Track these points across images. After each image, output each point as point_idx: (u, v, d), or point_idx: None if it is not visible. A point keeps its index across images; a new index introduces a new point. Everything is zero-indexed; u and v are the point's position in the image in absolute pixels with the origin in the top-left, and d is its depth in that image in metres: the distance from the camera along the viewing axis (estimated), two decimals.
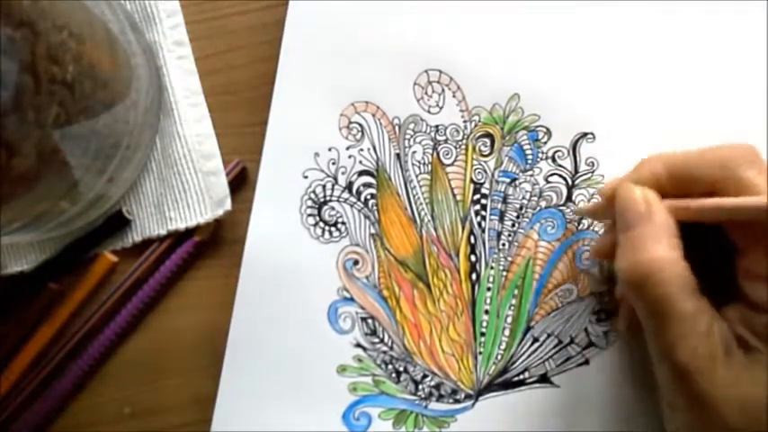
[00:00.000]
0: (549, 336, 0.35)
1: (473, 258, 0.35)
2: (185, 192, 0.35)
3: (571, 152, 0.34)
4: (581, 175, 0.34)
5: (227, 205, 0.35)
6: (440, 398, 0.35)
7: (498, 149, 0.35)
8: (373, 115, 0.35)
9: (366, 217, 0.35)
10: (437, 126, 0.35)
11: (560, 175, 0.35)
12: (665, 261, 0.26)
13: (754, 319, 0.26)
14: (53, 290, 0.36)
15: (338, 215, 0.35)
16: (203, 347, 0.36)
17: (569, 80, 0.34)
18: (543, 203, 0.35)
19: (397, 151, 0.35)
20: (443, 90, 0.35)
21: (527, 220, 0.35)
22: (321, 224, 0.35)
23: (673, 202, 0.27)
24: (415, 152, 0.35)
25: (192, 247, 0.36)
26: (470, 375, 0.35)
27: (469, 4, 0.35)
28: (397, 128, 0.35)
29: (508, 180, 0.35)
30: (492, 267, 0.35)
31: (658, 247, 0.26)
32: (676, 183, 0.28)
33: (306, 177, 0.35)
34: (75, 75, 0.28)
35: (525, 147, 0.35)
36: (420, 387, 0.35)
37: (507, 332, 0.35)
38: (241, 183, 0.36)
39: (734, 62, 0.34)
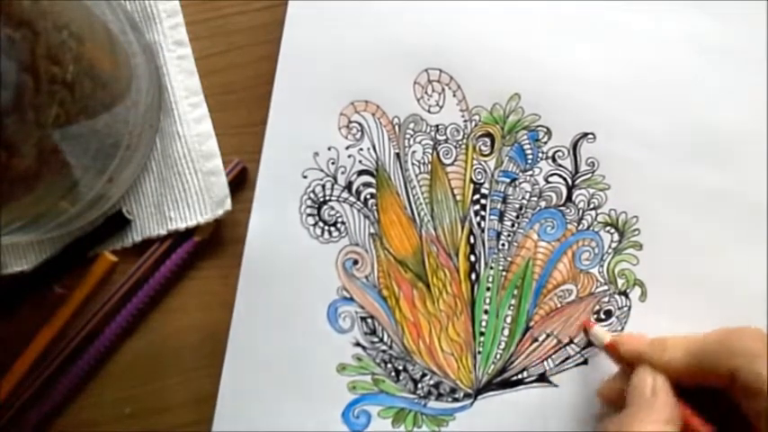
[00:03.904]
0: (548, 336, 0.35)
1: (472, 258, 0.35)
2: (185, 192, 0.35)
3: (571, 152, 0.34)
4: (581, 176, 0.34)
5: (227, 205, 0.35)
6: (439, 397, 0.35)
7: (498, 149, 0.35)
8: (373, 115, 0.35)
9: (366, 217, 0.35)
10: (437, 126, 0.35)
11: (560, 176, 0.35)
12: None
13: None
14: (58, 294, 0.36)
15: (338, 215, 0.35)
16: (203, 347, 0.36)
17: (569, 80, 0.34)
18: (543, 204, 0.35)
19: (397, 151, 0.35)
20: (443, 89, 0.35)
21: (527, 220, 0.35)
22: (321, 224, 0.35)
23: (689, 414, 0.29)
24: (414, 152, 0.35)
25: (192, 247, 0.36)
26: (469, 374, 0.35)
27: (469, 4, 0.35)
28: (396, 127, 0.35)
29: (508, 180, 0.35)
30: (491, 267, 0.35)
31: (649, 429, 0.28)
32: (694, 370, 0.29)
33: (305, 177, 0.35)
34: (75, 75, 0.28)
35: (525, 147, 0.35)
36: (419, 386, 0.35)
37: (506, 332, 0.35)
38: (241, 183, 0.36)
39: (734, 62, 0.34)
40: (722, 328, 0.30)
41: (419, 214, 0.35)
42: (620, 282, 0.34)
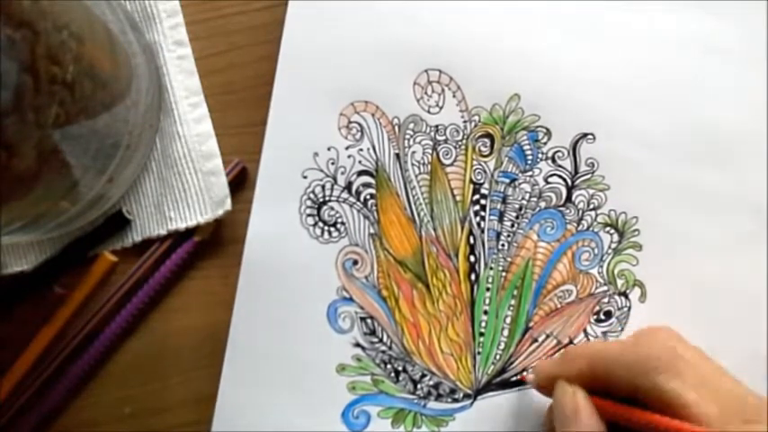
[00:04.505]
0: (547, 336, 0.35)
1: (472, 259, 0.35)
2: (185, 192, 0.35)
3: (571, 153, 0.34)
4: (581, 176, 0.34)
5: (227, 205, 0.35)
6: (438, 397, 0.35)
7: (498, 150, 0.35)
8: (373, 115, 0.35)
9: (365, 217, 0.35)
10: (437, 126, 0.35)
11: (560, 176, 0.35)
12: None
13: None
14: (58, 294, 0.36)
15: (337, 215, 0.35)
16: (203, 347, 0.36)
17: (569, 80, 0.34)
18: (543, 204, 0.35)
19: (397, 151, 0.35)
20: (443, 90, 0.35)
21: (526, 220, 0.35)
22: (320, 224, 0.35)
23: (614, 407, 0.28)
24: (414, 152, 0.35)
25: (192, 247, 0.36)
26: (469, 375, 0.35)
27: (469, 4, 0.35)
28: (396, 128, 0.35)
29: (508, 180, 0.35)
30: (491, 268, 0.35)
31: None
32: (601, 382, 0.29)
33: (305, 177, 0.35)
34: (75, 75, 0.28)
35: (525, 147, 0.35)
36: (419, 386, 0.35)
37: (506, 332, 0.35)
38: (241, 183, 0.36)
39: (734, 62, 0.34)
40: (631, 335, 0.29)
41: (419, 215, 0.35)
42: (619, 282, 0.34)
